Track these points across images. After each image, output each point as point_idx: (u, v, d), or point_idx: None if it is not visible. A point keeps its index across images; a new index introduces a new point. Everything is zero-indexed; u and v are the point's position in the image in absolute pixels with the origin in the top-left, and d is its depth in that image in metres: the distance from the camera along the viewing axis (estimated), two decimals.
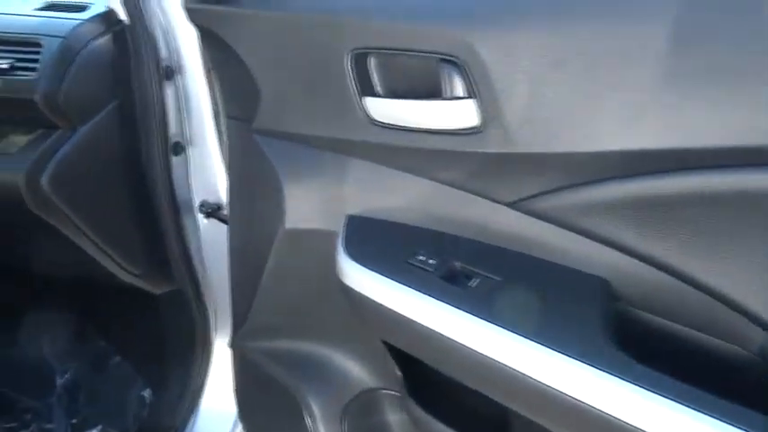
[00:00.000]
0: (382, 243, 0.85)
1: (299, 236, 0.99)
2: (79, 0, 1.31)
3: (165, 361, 1.68)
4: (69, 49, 1.16)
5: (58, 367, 1.90)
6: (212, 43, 1.11)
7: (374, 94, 0.85)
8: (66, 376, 1.88)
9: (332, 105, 0.89)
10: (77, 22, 1.21)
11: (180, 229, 1.42)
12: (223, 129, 1.30)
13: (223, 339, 1.56)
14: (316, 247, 0.97)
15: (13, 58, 1.17)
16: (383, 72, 0.84)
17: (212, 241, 1.47)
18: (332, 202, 0.94)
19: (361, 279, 0.84)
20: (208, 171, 1.38)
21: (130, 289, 1.51)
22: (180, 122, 1.34)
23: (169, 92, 1.28)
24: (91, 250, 1.33)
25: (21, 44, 1.18)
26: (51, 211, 1.21)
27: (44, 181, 1.17)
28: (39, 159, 1.17)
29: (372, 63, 0.85)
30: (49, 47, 1.17)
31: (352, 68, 0.85)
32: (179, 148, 1.35)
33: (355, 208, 0.92)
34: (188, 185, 1.39)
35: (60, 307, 1.86)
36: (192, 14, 1.10)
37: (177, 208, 1.39)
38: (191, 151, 1.38)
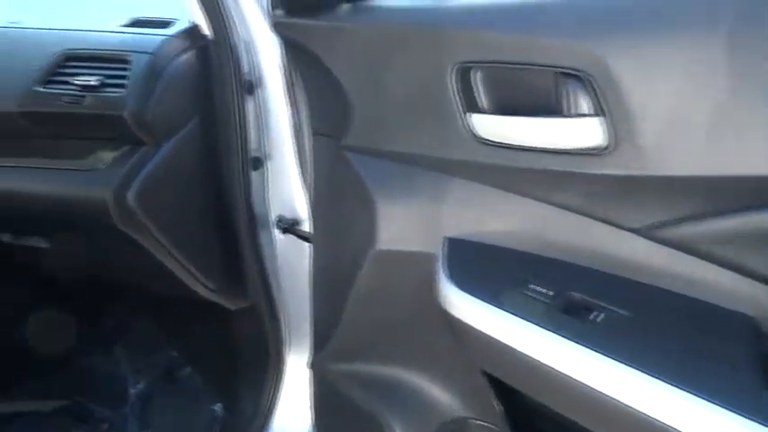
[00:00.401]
0: (489, 269, 0.79)
1: (393, 257, 0.93)
2: (164, 16, 1.31)
3: (237, 376, 1.65)
4: (156, 65, 1.14)
5: (132, 377, 1.91)
6: (300, 57, 1.07)
7: (480, 111, 0.80)
8: (140, 386, 1.88)
9: (432, 122, 0.84)
10: (163, 38, 1.19)
11: (256, 245, 1.39)
12: (304, 144, 1.27)
13: (296, 356, 1.53)
14: (410, 269, 0.92)
15: (102, 74, 1.15)
16: (490, 87, 0.78)
17: (288, 257, 1.44)
18: (429, 224, 0.88)
19: (466, 307, 0.78)
20: (285, 186, 1.34)
21: (204, 302, 1.49)
22: (258, 137, 1.32)
23: (250, 106, 1.26)
24: (171, 264, 1.31)
25: (109, 61, 1.16)
26: (136, 227, 1.18)
27: (131, 198, 1.14)
28: (125, 177, 1.14)
29: (478, 77, 0.79)
30: (137, 63, 1.14)
31: (456, 83, 0.79)
32: (257, 163, 1.32)
33: (455, 230, 0.86)
34: (265, 200, 1.36)
35: (134, 318, 1.86)
36: (280, 28, 1.06)
37: (254, 223, 1.36)
38: (269, 166, 1.35)
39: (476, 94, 0.79)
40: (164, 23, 1.26)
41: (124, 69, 1.14)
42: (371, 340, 1.03)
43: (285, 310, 1.49)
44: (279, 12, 1.06)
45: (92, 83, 1.13)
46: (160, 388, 1.86)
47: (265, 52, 1.24)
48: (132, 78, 1.13)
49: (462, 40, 0.78)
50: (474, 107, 0.79)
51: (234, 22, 1.21)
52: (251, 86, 1.24)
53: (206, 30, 1.22)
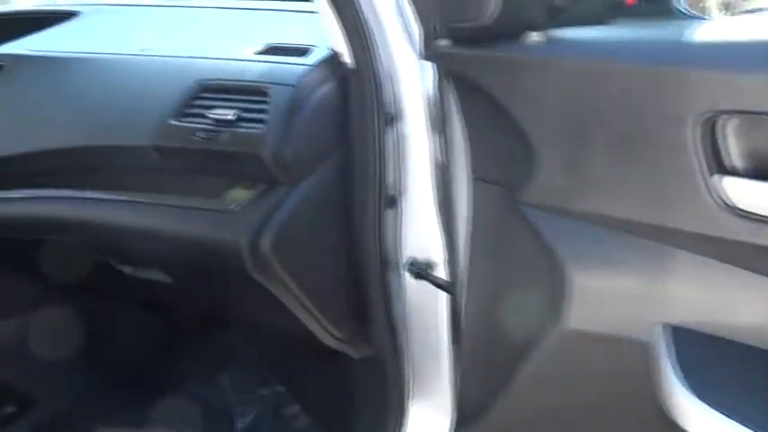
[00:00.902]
0: (737, 376, 0.61)
1: (585, 339, 0.76)
2: (300, 42, 1.18)
3: (352, 423, 1.53)
4: (298, 99, 1.01)
5: (238, 409, 1.83)
6: (465, 93, 0.92)
7: (732, 173, 0.63)
8: (246, 419, 1.80)
9: (656, 182, 0.67)
10: (304, 68, 1.06)
11: (386, 291, 1.26)
12: (450, 185, 1.13)
13: (419, 409, 1.39)
14: (607, 356, 0.75)
15: (238, 108, 1.02)
16: (750, 143, 0.62)
17: (418, 304, 1.30)
18: (641, 304, 0.71)
19: (710, 425, 0.61)
20: (419, 227, 1.20)
21: (324, 347, 1.37)
22: (394, 173, 1.19)
23: (389, 140, 1.14)
24: (300, 313, 1.18)
25: (246, 93, 1.04)
26: (270, 276, 1.05)
27: (266, 245, 1.01)
28: (261, 221, 1.01)
29: (731, 130, 0.63)
30: (277, 96, 1.02)
31: (698, 136, 0.63)
32: (392, 201, 1.20)
33: (679, 316, 0.69)
34: (396, 241, 1.23)
35: (244, 349, 1.78)
36: (443, 60, 0.92)
37: (386, 266, 1.23)
38: (403, 204, 1.22)
39: (725, 152, 0.62)
40: (301, 51, 1.13)
41: (262, 102, 1.02)
42: (539, 429, 0.88)
43: (411, 361, 1.34)
44: (444, 42, 0.91)
45: (228, 117, 1.01)
46: (267, 423, 1.78)
47: (408, 82, 1.11)
48: (272, 113, 1.00)
49: (711, 83, 0.61)
50: (722, 168, 0.63)
51: (378, 50, 1.09)
52: (391, 119, 1.11)
53: (347, 58, 1.11)
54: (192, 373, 1.73)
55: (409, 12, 1.09)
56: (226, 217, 1.03)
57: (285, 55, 1.13)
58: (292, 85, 1.02)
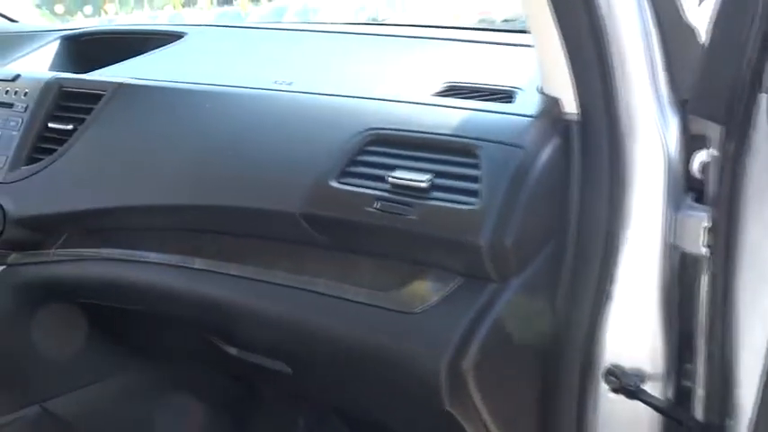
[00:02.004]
0: None
1: None
2: (488, 81, 0.86)
3: None
4: (524, 163, 0.69)
5: None
6: None
7: None
8: None
9: None
10: (520, 119, 0.75)
11: (581, 409, 0.96)
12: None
13: None
14: None
15: (432, 171, 0.71)
16: None
17: (615, 424, 1.00)
18: None
19: None
20: (628, 323, 0.90)
21: None
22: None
23: (621, 215, 0.82)
24: None
25: (443, 150, 0.73)
26: (465, 410, 0.73)
27: (468, 366, 0.69)
28: (466, 333, 0.69)
29: None
30: (490, 158, 0.70)
31: None
32: (609, 294, 0.88)
33: None
34: (597, 343, 0.92)
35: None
36: None
37: (585, 377, 0.93)
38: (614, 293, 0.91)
39: None
40: (502, 94, 0.82)
41: (470, 166, 0.70)
42: None
43: None
44: None
45: (420, 183, 0.70)
46: None
47: (646, 142, 0.82)
48: (486, 182, 0.69)
49: None
50: None
51: (619, 98, 0.80)
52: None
53: (570, 106, 0.80)
54: None
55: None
56: (408, 321, 0.72)
57: (480, 99, 0.82)
58: (514, 145, 0.70)
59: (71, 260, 1.10)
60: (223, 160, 0.89)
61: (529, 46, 1.01)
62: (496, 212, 0.68)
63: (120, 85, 1.08)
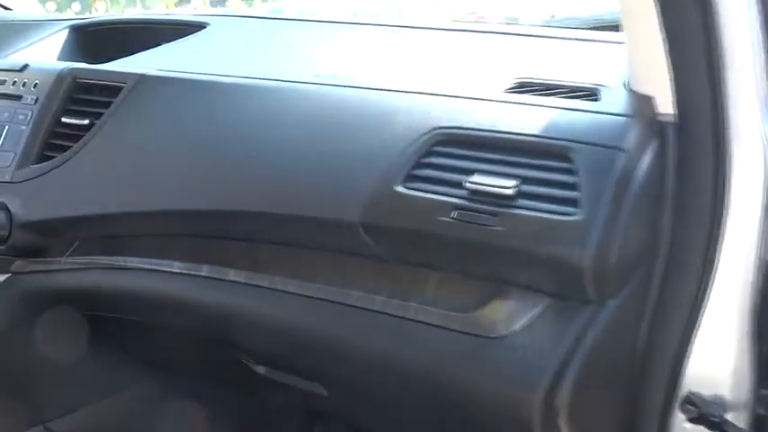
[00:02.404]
0: None
1: None
2: (569, 79, 0.75)
3: None
4: (627, 169, 0.60)
5: None
6: None
7: None
8: None
9: None
10: (617, 120, 0.65)
11: None
12: None
13: None
14: None
15: (517, 176, 0.62)
16: None
17: None
18: None
19: None
20: (709, 346, 0.81)
21: None
22: None
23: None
24: None
25: (530, 153, 0.63)
26: None
27: (562, 399, 0.60)
28: (562, 363, 0.60)
29: None
30: (588, 163, 0.61)
31: None
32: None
33: None
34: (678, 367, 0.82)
35: None
36: None
37: (667, 404, 0.83)
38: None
39: None
40: (584, 91, 0.71)
41: (564, 172, 0.61)
42: None
43: None
44: None
45: (504, 190, 0.60)
46: None
47: (746, 149, 0.73)
48: (585, 190, 0.59)
49: None
50: None
51: (723, 99, 0.72)
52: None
53: (665, 106, 0.68)
54: None
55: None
56: (491, 347, 0.62)
57: (560, 95, 0.72)
58: (614, 147, 0.60)
59: (84, 269, 0.99)
60: (264, 161, 0.78)
61: (593, 41, 0.93)
62: (602, 224, 0.58)
63: (143, 76, 0.97)
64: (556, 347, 0.60)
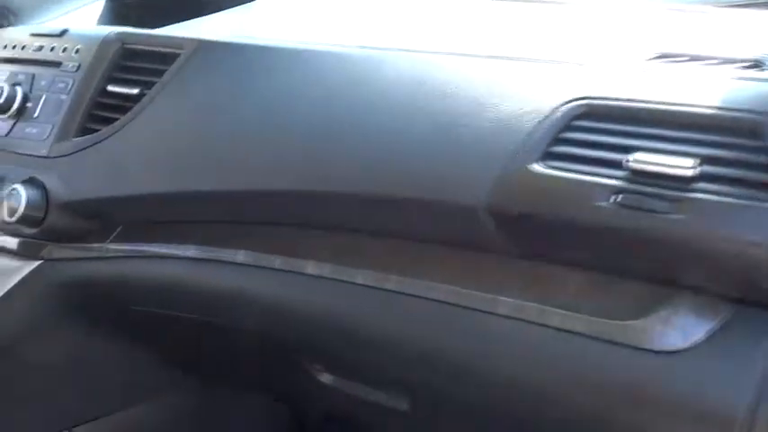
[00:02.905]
0: None
1: None
2: (720, 53, 0.62)
3: None
4: None
5: None
6: None
7: None
8: None
9: None
10: None
11: None
12: None
13: None
14: None
15: (695, 155, 0.50)
16: None
17: None
18: None
19: None
20: None
21: None
22: None
23: None
24: None
25: (708, 129, 0.51)
26: None
27: (763, 417, 0.47)
28: (762, 380, 0.47)
29: None
30: None
31: None
32: None
33: None
34: None
35: None
36: None
37: None
38: None
39: None
40: (748, 62, 0.59)
41: (753, 150, 0.49)
42: None
43: None
44: None
45: (684, 171, 0.48)
46: None
47: None
48: None
49: None
50: None
51: None
52: None
53: None
54: None
55: None
56: (671, 365, 0.49)
57: (720, 62, 0.60)
58: None
59: (127, 257, 0.86)
60: (357, 134, 0.65)
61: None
62: None
63: (202, 41, 0.84)
64: (748, 365, 0.48)
